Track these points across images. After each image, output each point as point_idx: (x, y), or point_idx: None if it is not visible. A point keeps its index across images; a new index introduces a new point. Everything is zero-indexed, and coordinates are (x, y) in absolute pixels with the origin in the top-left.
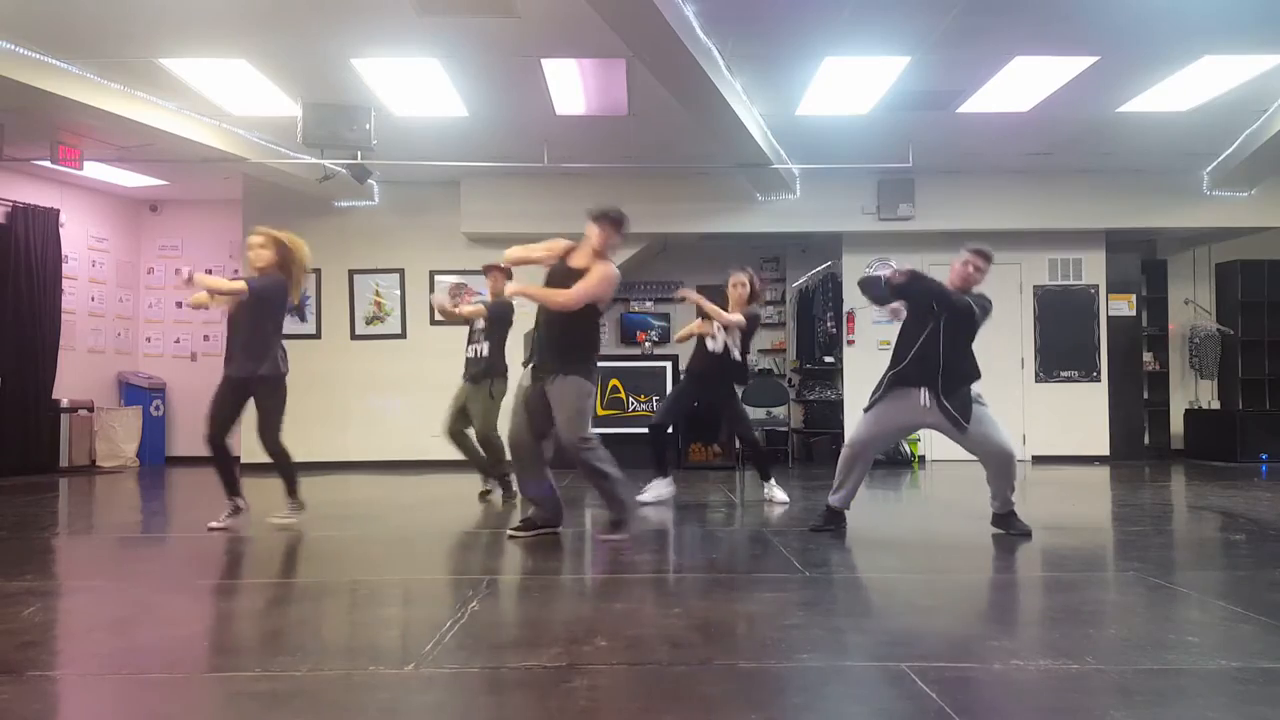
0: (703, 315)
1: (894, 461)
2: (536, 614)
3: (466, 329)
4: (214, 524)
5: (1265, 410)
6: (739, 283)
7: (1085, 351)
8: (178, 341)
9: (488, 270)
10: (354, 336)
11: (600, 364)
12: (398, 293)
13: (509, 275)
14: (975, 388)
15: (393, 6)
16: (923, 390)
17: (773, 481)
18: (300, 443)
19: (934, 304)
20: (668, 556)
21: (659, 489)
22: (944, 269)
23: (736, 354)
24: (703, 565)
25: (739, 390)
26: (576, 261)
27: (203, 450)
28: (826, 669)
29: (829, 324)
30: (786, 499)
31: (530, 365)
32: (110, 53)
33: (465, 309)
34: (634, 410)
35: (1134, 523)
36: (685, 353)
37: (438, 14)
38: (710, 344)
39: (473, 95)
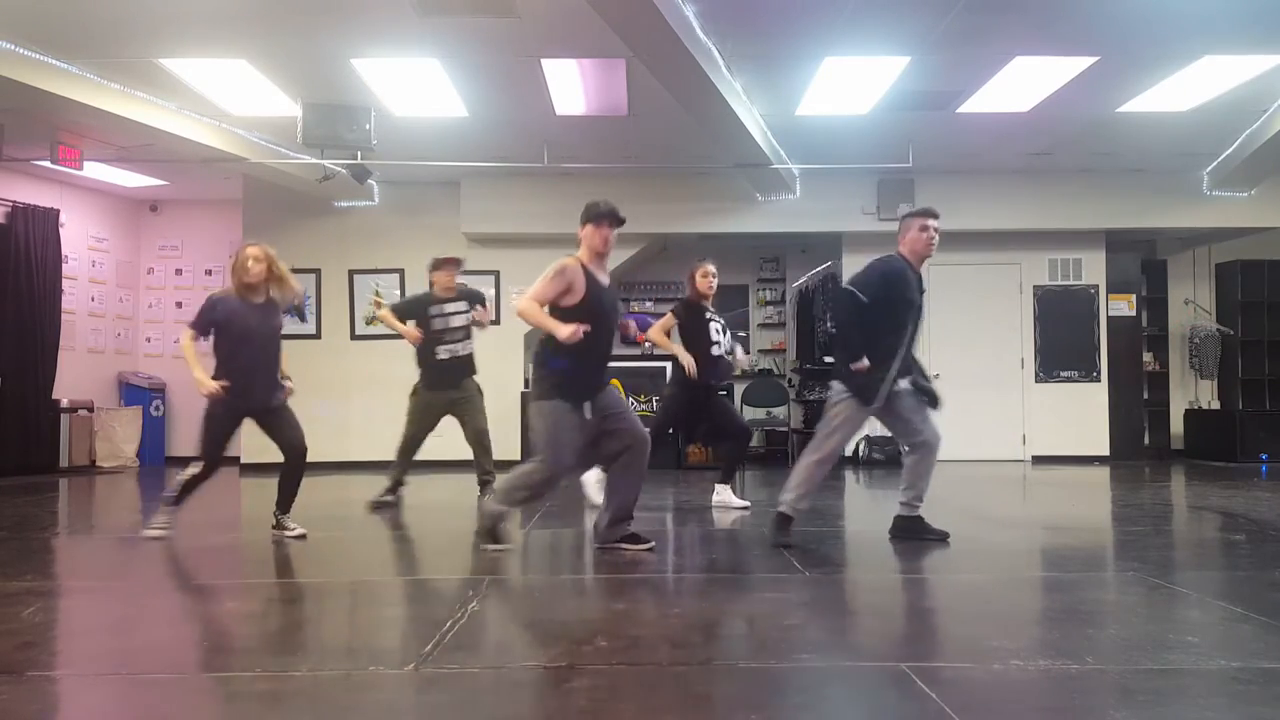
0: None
1: (894, 462)
2: (536, 614)
3: (419, 328)
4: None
5: (1265, 410)
6: (709, 273)
7: (1085, 351)
8: (178, 341)
9: (443, 264)
10: (354, 337)
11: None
12: (397, 293)
13: (459, 268)
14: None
15: (393, 6)
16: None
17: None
18: None
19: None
20: (668, 557)
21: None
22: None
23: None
24: (703, 565)
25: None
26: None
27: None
28: (826, 669)
29: (829, 324)
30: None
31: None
32: (110, 53)
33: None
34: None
35: (1134, 523)
36: None
37: (438, 14)
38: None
39: (473, 95)
